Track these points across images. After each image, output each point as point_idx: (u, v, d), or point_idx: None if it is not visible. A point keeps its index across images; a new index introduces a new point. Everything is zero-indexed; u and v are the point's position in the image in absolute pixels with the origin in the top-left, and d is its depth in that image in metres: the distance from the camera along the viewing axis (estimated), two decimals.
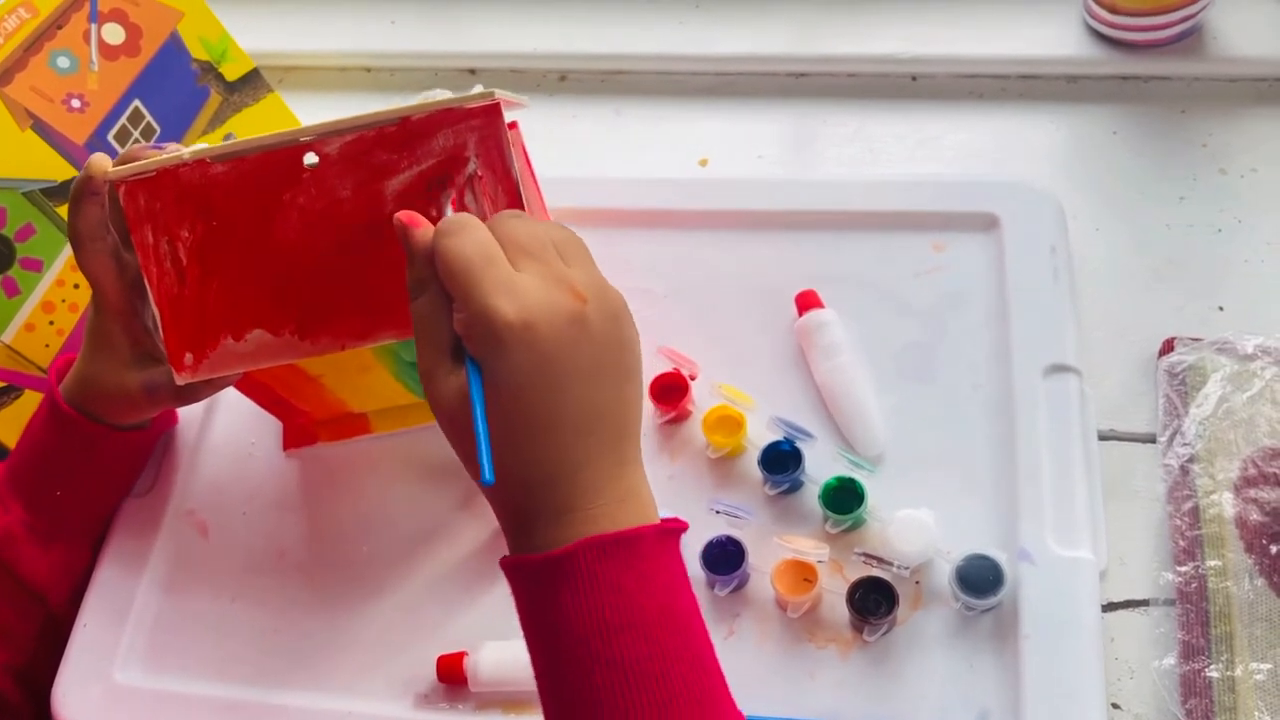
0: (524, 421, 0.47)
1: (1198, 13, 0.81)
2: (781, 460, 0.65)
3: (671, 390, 0.69)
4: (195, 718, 0.65)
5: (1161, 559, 0.63)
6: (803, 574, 0.61)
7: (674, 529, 0.50)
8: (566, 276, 0.49)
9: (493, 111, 0.56)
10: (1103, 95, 0.85)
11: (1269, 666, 0.57)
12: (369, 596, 0.68)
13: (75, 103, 0.76)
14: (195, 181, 0.58)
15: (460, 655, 0.63)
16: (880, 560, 0.61)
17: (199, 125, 0.85)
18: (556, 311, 0.47)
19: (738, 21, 0.94)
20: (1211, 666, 0.58)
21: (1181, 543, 0.62)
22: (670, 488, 0.67)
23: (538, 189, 0.72)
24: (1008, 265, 0.70)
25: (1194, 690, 0.58)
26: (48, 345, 0.75)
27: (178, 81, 0.83)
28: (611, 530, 0.47)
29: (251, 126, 0.88)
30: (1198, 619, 0.59)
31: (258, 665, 0.67)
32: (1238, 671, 0.57)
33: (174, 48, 0.82)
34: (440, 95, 0.59)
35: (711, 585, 0.63)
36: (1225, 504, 0.62)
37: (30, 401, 0.75)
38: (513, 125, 0.62)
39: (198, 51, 0.84)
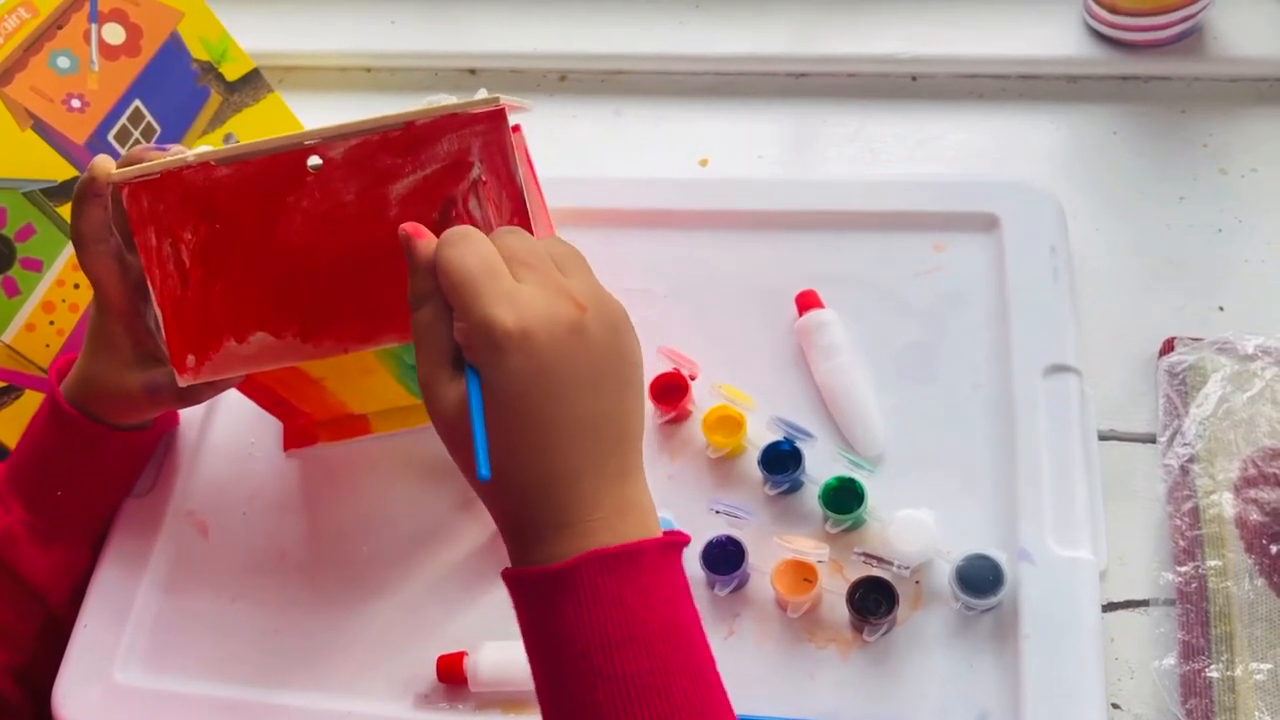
0: (522, 429, 0.47)
1: (1198, 13, 0.81)
2: (781, 460, 0.65)
3: (671, 390, 0.69)
4: (195, 718, 0.65)
5: (1161, 559, 0.63)
6: (803, 574, 0.61)
7: (676, 542, 0.50)
8: (566, 287, 0.49)
9: (497, 117, 0.56)
10: (1103, 95, 0.85)
11: (1269, 666, 0.57)
12: (369, 596, 0.68)
13: (75, 103, 0.76)
14: (199, 184, 0.58)
15: (460, 655, 0.63)
16: (880, 560, 0.61)
17: (199, 125, 0.85)
18: (556, 320, 0.48)
19: (738, 21, 0.94)
20: (1211, 666, 0.58)
21: (1181, 543, 0.62)
22: (670, 488, 0.67)
23: (540, 194, 0.72)
24: (1008, 265, 0.70)
25: (1194, 690, 0.58)
26: (48, 345, 0.75)
27: (178, 81, 0.83)
28: (613, 542, 0.47)
29: (252, 126, 0.88)
30: (1198, 619, 0.60)
31: (258, 665, 0.67)
32: (1238, 671, 0.57)
33: (174, 48, 0.82)
34: (445, 100, 0.59)
35: (711, 585, 0.63)
36: (1225, 504, 0.62)
37: (30, 401, 0.75)
38: (515, 129, 0.62)
39: (198, 51, 0.84)
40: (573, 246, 0.52)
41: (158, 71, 0.81)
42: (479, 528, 0.68)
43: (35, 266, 0.74)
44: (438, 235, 0.51)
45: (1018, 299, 0.69)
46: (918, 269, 0.72)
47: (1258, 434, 0.64)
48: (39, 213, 0.74)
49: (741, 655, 0.61)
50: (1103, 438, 0.67)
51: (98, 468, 0.69)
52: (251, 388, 0.69)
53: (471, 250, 0.49)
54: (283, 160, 0.58)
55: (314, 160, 0.57)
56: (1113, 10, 0.83)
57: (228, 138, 0.87)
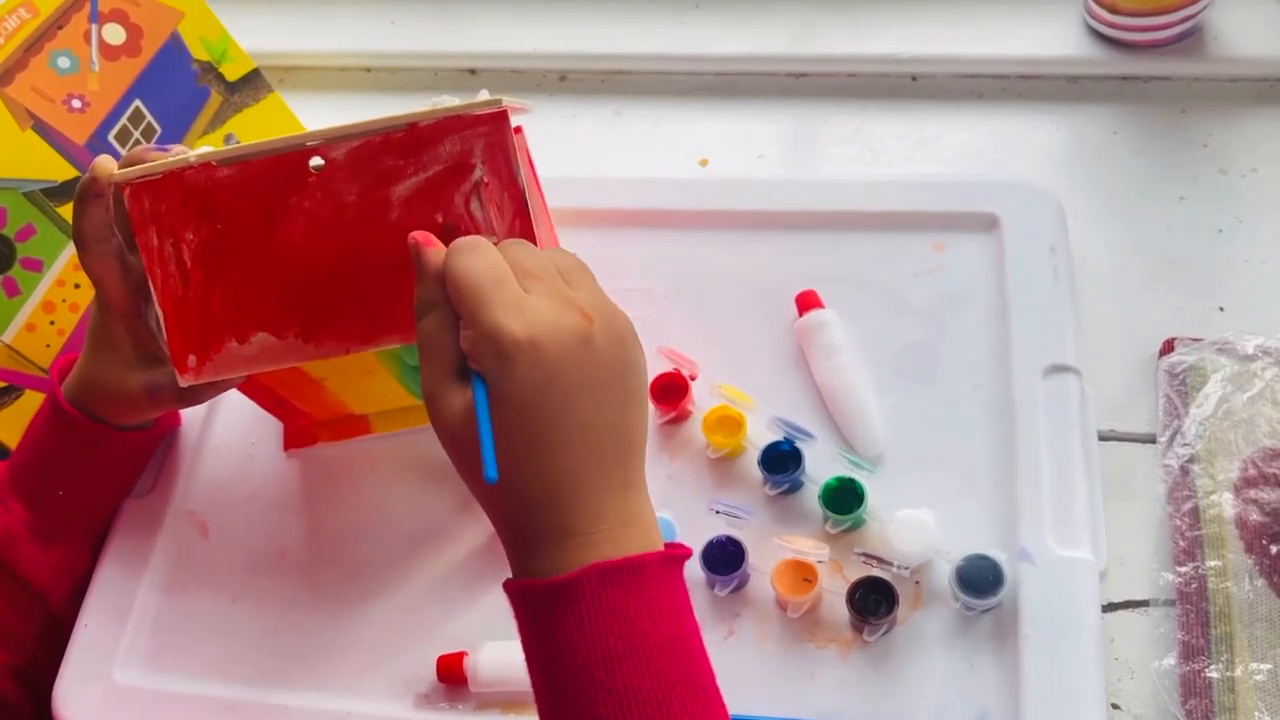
0: (527, 438, 0.47)
1: (1198, 13, 0.81)
2: (781, 460, 0.65)
3: (671, 390, 0.69)
4: (195, 718, 0.65)
5: (1161, 559, 0.63)
6: (803, 574, 0.61)
7: (678, 555, 0.50)
8: (573, 298, 0.49)
9: (500, 118, 0.56)
10: (1103, 95, 0.85)
11: (1269, 667, 0.57)
12: (369, 596, 0.68)
13: (76, 103, 0.76)
14: (200, 184, 0.58)
15: (460, 655, 0.63)
16: (880, 560, 0.61)
17: (199, 125, 0.85)
18: (564, 330, 0.48)
19: (738, 21, 0.94)
20: (1211, 667, 0.58)
21: (1181, 543, 0.62)
22: (670, 488, 0.67)
23: (541, 195, 0.72)
24: (1008, 265, 0.70)
25: (1194, 691, 0.58)
26: (48, 345, 0.75)
27: (178, 82, 0.83)
28: (616, 555, 0.47)
29: (252, 127, 0.88)
30: (1198, 619, 0.60)
31: (258, 665, 0.67)
32: (1238, 672, 0.57)
33: (174, 48, 0.82)
34: (447, 101, 0.59)
35: (711, 585, 0.63)
36: (1225, 504, 0.62)
37: (31, 401, 0.75)
38: (517, 130, 0.62)
39: (198, 52, 0.84)
40: (578, 258, 0.52)
41: (158, 72, 0.81)
42: (479, 528, 0.68)
43: (35, 266, 0.74)
44: (440, 237, 0.52)
45: (1018, 299, 0.69)
46: (918, 269, 0.72)
47: (1258, 434, 0.64)
48: (39, 213, 0.74)
49: (741, 655, 0.61)
50: (1103, 438, 0.67)
51: (98, 468, 0.69)
52: (252, 388, 0.69)
53: (480, 259, 0.49)
54: (285, 161, 0.58)
55: (316, 161, 0.58)
56: (1113, 10, 0.83)
57: (228, 138, 0.87)
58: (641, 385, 0.51)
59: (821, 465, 0.65)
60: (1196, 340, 0.68)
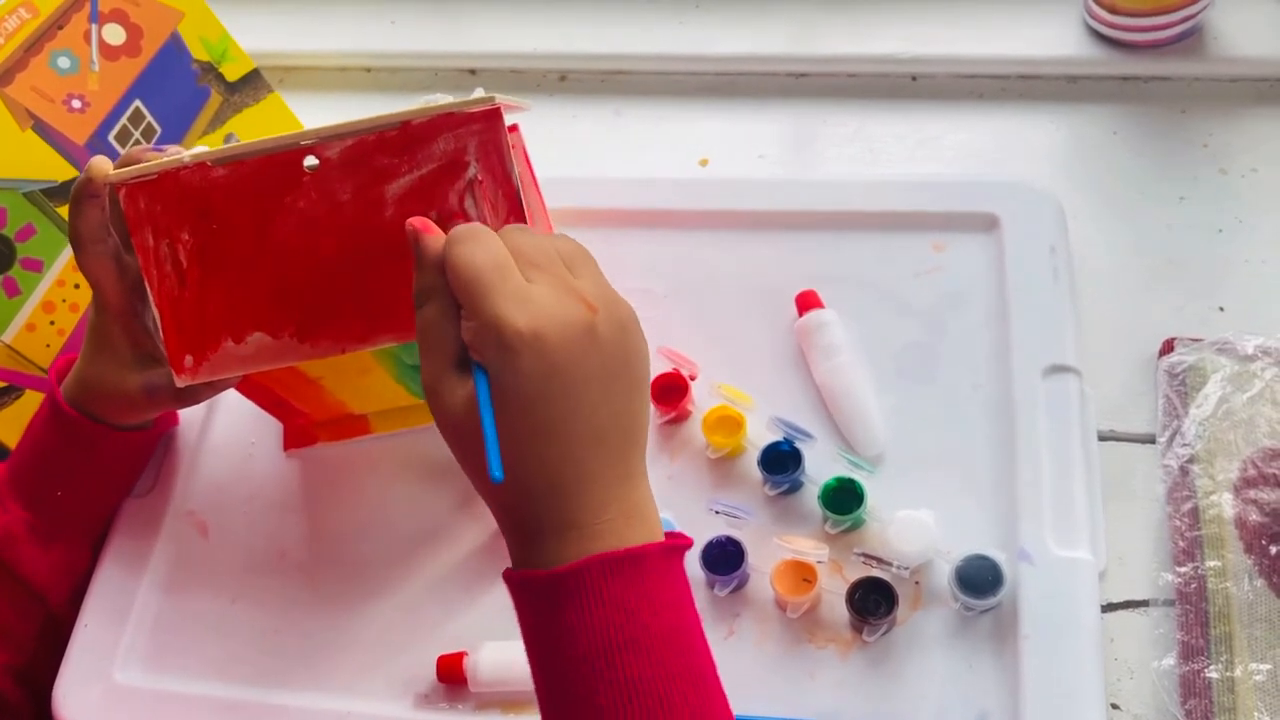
0: (531, 430, 0.47)
1: (1198, 13, 0.81)
2: (781, 460, 0.65)
3: (671, 390, 0.69)
4: (195, 718, 0.65)
5: (1161, 559, 0.63)
6: (802, 574, 0.61)
7: (679, 546, 0.50)
8: (577, 287, 0.49)
9: (493, 116, 0.56)
10: (1103, 95, 0.85)
11: (1268, 667, 0.57)
12: (369, 596, 0.68)
13: (76, 103, 0.76)
14: (195, 184, 0.58)
15: (460, 655, 0.63)
16: (880, 560, 0.61)
17: (199, 125, 0.85)
18: (567, 322, 0.47)
19: (738, 21, 0.94)
20: (1211, 667, 0.58)
21: (1181, 543, 0.62)
22: (670, 488, 0.67)
23: (539, 192, 0.72)
24: (1008, 265, 0.70)
25: (1193, 691, 0.58)
26: (48, 345, 0.75)
27: (178, 82, 0.83)
28: (618, 546, 0.47)
29: (252, 127, 0.88)
30: (1197, 619, 0.59)
31: (258, 665, 0.67)
32: (1237, 672, 0.57)
33: (174, 48, 0.82)
34: (441, 99, 0.59)
35: (711, 585, 0.63)
36: (1225, 504, 0.62)
37: (31, 401, 0.75)
38: (513, 128, 0.62)
39: (198, 52, 0.84)
40: (581, 245, 0.52)
41: (158, 72, 0.81)
42: (479, 528, 0.68)
43: (35, 267, 0.74)
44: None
45: (1018, 299, 0.69)
46: (918, 269, 0.72)
47: (1257, 434, 0.64)
48: (39, 213, 0.74)
49: (741, 655, 0.61)
50: (1103, 438, 0.67)
51: (98, 468, 0.69)
52: (250, 388, 0.69)
53: (481, 248, 0.48)
54: (279, 160, 0.58)
55: (310, 160, 0.58)
56: (1113, 10, 0.83)
57: (228, 138, 0.87)
58: (644, 375, 0.51)
59: (821, 465, 0.65)
60: (1196, 340, 0.68)
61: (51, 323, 0.75)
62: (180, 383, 0.60)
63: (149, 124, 0.81)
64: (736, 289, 0.74)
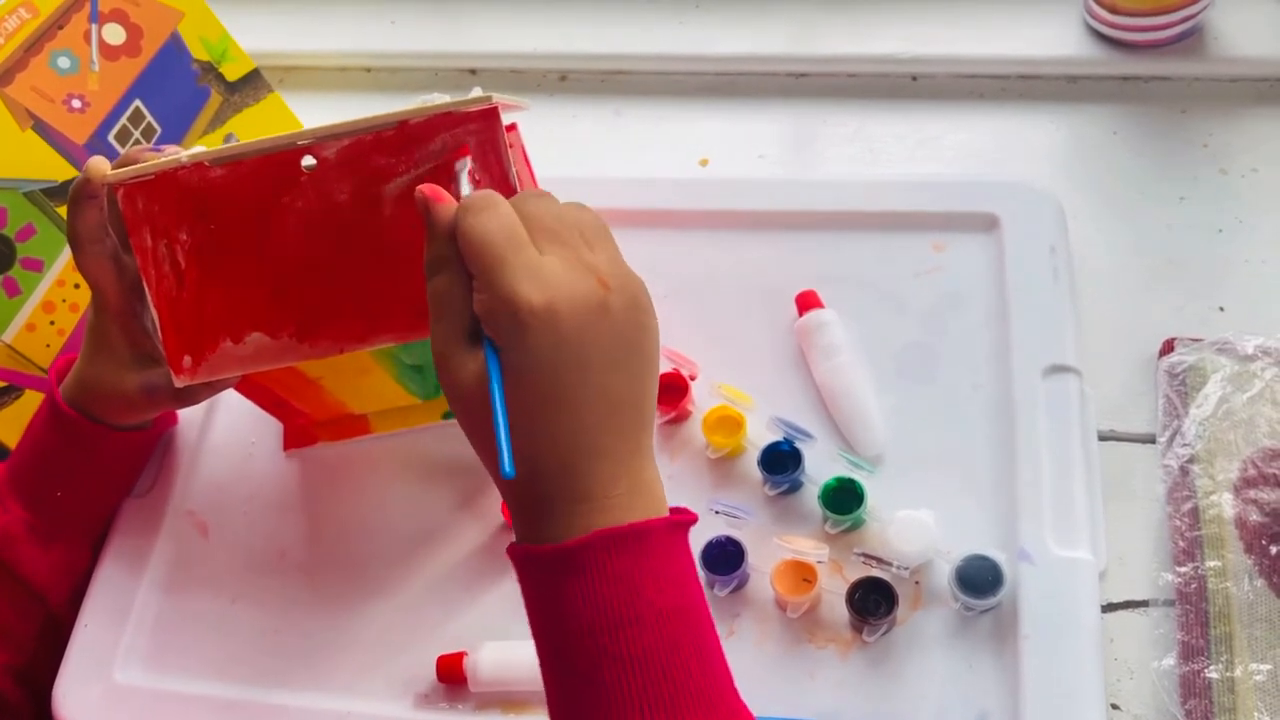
0: (543, 407, 0.47)
1: (1198, 13, 0.81)
2: (781, 460, 0.65)
3: (671, 390, 0.69)
4: (195, 718, 0.65)
5: (1161, 559, 0.63)
6: (802, 574, 0.61)
7: (683, 521, 0.49)
8: (591, 262, 0.48)
9: (490, 115, 0.56)
10: (1103, 95, 0.85)
11: (1268, 667, 0.57)
12: (369, 596, 0.68)
13: (76, 103, 0.76)
14: (193, 185, 0.58)
15: (460, 655, 0.63)
16: (880, 560, 0.61)
17: (199, 125, 0.85)
18: (580, 298, 0.47)
19: (738, 21, 0.94)
20: (1211, 667, 0.58)
21: (1181, 543, 0.62)
22: (670, 488, 0.66)
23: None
24: (1008, 265, 0.70)
25: (1193, 691, 0.58)
26: (48, 345, 0.75)
27: (178, 82, 0.83)
28: (624, 522, 0.47)
29: (252, 127, 0.88)
30: (1197, 619, 0.59)
31: (258, 665, 0.67)
32: (1237, 672, 0.57)
33: (174, 48, 0.82)
34: (438, 99, 0.59)
35: (711, 585, 0.63)
36: (1225, 504, 0.62)
37: (30, 401, 0.75)
38: (511, 127, 0.62)
39: (198, 52, 0.84)
40: (599, 217, 0.51)
41: (158, 72, 0.81)
42: (479, 528, 0.68)
43: (35, 266, 0.74)
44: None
45: (1018, 299, 0.69)
46: (918, 269, 0.72)
47: (1257, 434, 0.64)
48: (39, 213, 0.74)
49: (741, 655, 0.61)
50: (1103, 438, 0.67)
51: (97, 468, 0.70)
52: (250, 388, 0.69)
53: (495, 218, 0.47)
54: (276, 160, 0.58)
55: (308, 160, 0.57)
56: (1113, 10, 0.83)
57: (228, 138, 0.87)
58: (655, 352, 0.50)
59: (821, 465, 0.65)
60: (1196, 340, 0.68)
61: (51, 323, 0.75)
62: (179, 383, 0.60)
63: (149, 124, 0.81)
64: (736, 289, 0.74)
